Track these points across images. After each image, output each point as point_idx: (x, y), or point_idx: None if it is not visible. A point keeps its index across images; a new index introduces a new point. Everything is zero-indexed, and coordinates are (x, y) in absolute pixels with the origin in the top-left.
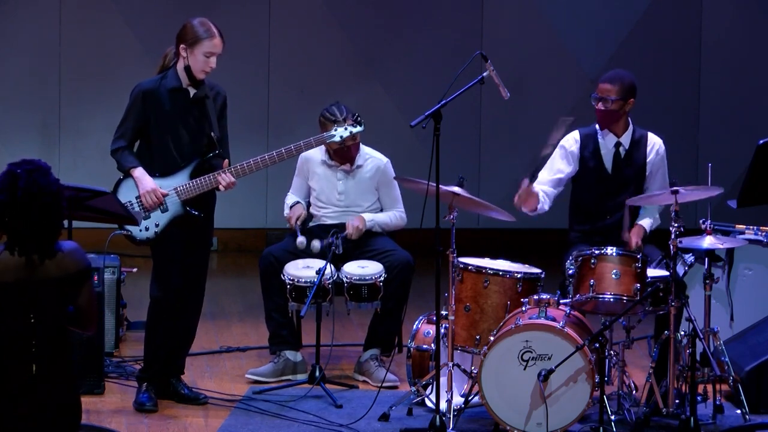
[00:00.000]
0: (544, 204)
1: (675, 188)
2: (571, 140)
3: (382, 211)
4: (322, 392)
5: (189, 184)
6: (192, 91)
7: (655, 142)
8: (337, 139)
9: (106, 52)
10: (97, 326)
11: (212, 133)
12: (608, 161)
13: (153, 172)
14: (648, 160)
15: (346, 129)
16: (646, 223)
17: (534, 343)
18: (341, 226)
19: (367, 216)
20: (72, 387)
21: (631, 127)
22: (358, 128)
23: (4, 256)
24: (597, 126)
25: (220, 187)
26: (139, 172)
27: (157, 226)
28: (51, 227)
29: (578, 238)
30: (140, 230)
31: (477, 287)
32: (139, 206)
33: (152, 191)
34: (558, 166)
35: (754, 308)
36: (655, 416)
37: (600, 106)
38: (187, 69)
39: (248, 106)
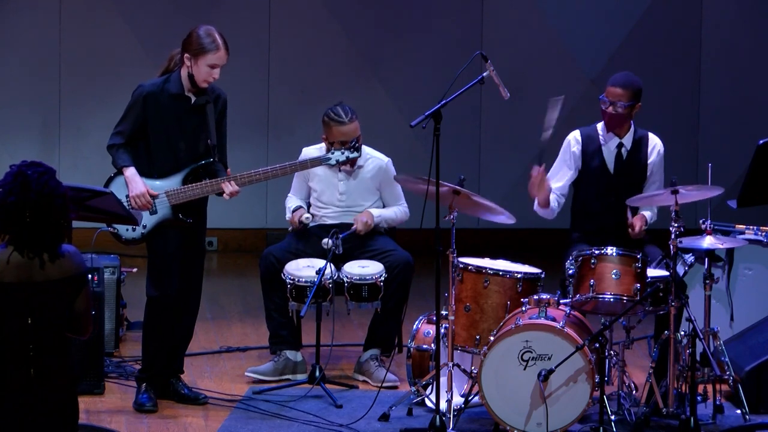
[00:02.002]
0: (554, 205)
1: (675, 188)
2: (573, 140)
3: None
4: (322, 392)
5: (181, 189)
6: (193, 98)
7: (655, 143)
8: (332, 162)
9: (106, 52)
10: (91, 331)
11: (209, 141)
12: (610, 162)
13: (147, 173)
14: (649, 161)
15: (342, 153)
16: (646, 214)
17: (534, 343)
18: (342, 226)
19: (375, 211)
20: (70, 390)
21: (632, 127)
22: (355, 154)
23: (6, 256)
24: (600, 127)
25: (225, 195)
26: (131, 173)
27: (144, 227)
28: (59, 229)
29: (579, 237)
30: (126, 229)
31: (477, 287)
32: (128, 204)
33: (142, 194)
34: (562, 172)
35: (754, 308)
36: (655, 416)
37: (610, 109)
38: (191, 77)
39: (248, 106)
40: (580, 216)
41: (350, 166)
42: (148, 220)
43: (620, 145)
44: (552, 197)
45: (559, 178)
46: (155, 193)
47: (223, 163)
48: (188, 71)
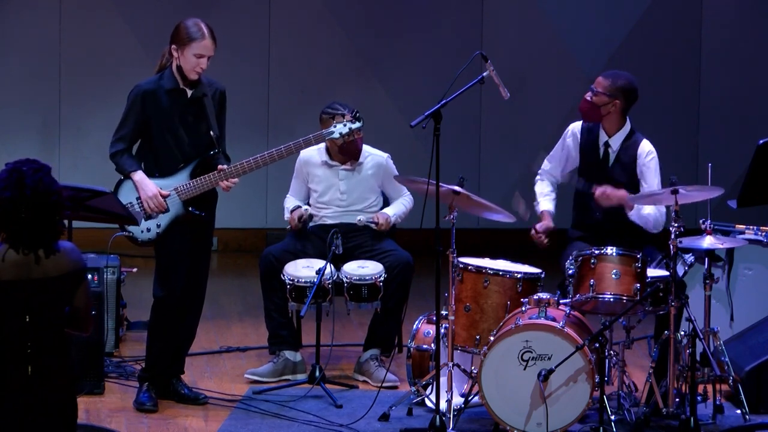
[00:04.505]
0: (552, 206)
1: (675, 188)
2: (570, 134)
3: (385, 205)
4: (322, 392)
5: (189, 183)
6: (189, 91)
7: (642, 150)
8: (336, 135)
9: (106, 52)
10: (92, 327)
11: (211, 132)
12: (600, 157)
13: (154, 173)
14: (637, 167)
15: (345, 125)
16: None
17: (534, 343)
18: (342, 226)
19: (390, 210)
20: (69, 388)
21: (627, 128)
22: (357, 124)
23: (2, 254)
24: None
25: (222, 187)
26: (140, 176)
27: (158, 226)
28: (54, 226)
29: (576, 236)
30: (142, 231)
31: (477, 287)
32: (140, 207)
33: (154, 197)
34: (558, 159)
35: (754, 308)
36: (655, 416)
37: (587, 95)
38: (179, 69)
39: (248, 106)
40: (575, 210)
41: (350, 164)
42: (162, 218)
43: (606, 144)
44: (547, 199)
45: (555, 163)
46: (166, 192)
47: (225, 155)
48: (177, 63)
